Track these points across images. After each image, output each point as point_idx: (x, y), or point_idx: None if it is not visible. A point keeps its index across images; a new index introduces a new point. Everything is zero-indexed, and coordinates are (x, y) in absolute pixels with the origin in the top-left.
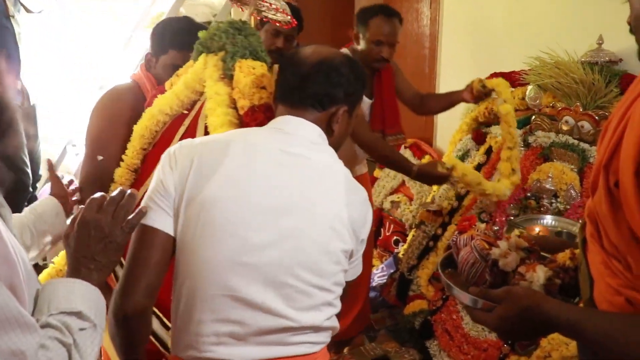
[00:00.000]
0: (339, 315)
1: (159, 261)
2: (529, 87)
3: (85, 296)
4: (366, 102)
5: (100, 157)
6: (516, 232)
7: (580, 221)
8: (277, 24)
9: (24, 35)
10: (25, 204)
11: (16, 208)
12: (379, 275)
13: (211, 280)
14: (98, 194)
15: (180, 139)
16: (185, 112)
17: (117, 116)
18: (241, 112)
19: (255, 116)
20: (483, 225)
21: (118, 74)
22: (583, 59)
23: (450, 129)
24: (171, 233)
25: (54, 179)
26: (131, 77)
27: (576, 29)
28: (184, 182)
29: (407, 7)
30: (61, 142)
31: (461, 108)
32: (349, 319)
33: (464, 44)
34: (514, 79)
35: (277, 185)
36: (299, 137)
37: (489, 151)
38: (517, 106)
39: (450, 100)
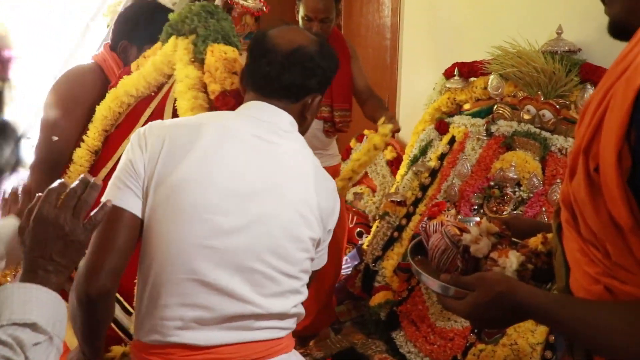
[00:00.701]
0: (304, 304)
1: (125, 243)
2: (491, 77)
3: (42, 304)
4: None
5: (55, 138)
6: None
7: (551, 208)
8: (248, 11)
9: None
10: None
11: None
12: (344, 267)
13: (178, 263)
14: (56, 183)
15: (146, 121)
16: (152, 94)
17: (75, 97)
18: (212, 97)
19: (226, 101)
20: (453, 211)
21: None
22: (544, 49)
23: (413, 119)
24: (139, 215)
25: (13, 195)
26: (92, 58)
27: (537, 18)
28: (154, 163)
29: None
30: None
31: (423, 98)
32: (313, 313)
33: (426, 35)
34: (476, 68)
35: (247, 170)
36: (271, 123)
37: (452, 141)
38: (480, 96)
39: (374, 117)
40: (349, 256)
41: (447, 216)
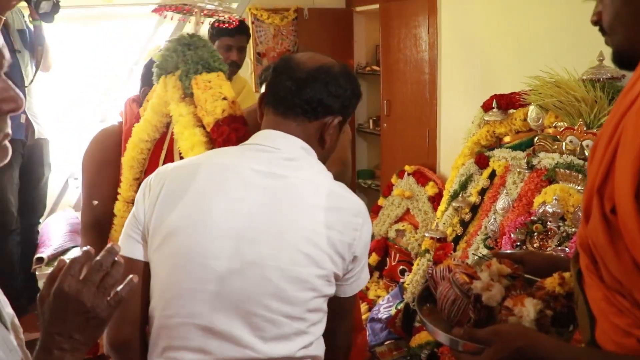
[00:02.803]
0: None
1: (138, 291)
2: (530, 108)
3: None
4: None
5: (95, 202)
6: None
7: (573, 252)
8: (225, 25)
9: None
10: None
11: None
12: (385, 306)
13: (176, 307)
14: (81, 252)
15: (163, 163)
16: (164, 134)
17: (104, 160)
18: (208, 130)
19: (221, 130)
20: (459, 253)
21: (119, 107)
22: (584, 77)
23: (453, 154)
24: (146, 260)
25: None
26: (120, 114)
27: (575, 46)
28: (152, 209)
29: (405, 33)
30: (63, 175)
31: (462, 132)
32: None
33: (463, 68)
34: (514, 100)
35: (243, 211)
36: (276, 152)
37: (492, 175)
38: (519, 128)
39: None
40: (391, 294)
41: (454, 259)
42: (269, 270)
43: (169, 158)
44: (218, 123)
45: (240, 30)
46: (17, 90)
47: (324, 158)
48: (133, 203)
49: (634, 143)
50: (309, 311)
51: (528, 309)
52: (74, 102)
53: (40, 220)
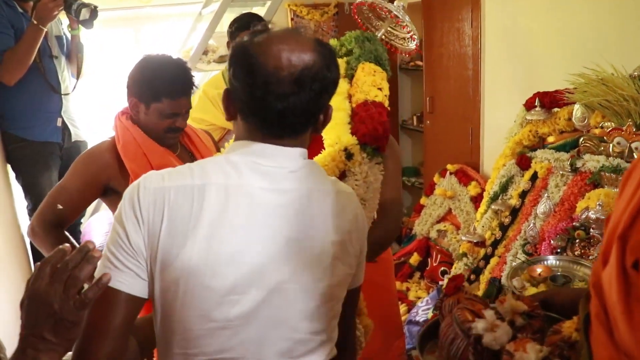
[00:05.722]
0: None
1: (122, 327)
2: (575, 107)
3: None
4: None
5: (60, 207)
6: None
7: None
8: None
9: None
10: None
11: None
12: (423, 308)
13: (202, 346)
14: (55, 251)
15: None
16: None
17: (89, 177)
18: (354, 105)
19: (367, 108)
20: (471, 285)
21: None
22: (634, 74)
23: (496, 153)
24: (140, 295)
25: None
26: (113, 128)
27: (623, 41)
28: (155, 241)
29: (448, 27)
30: None
31: (505, 131)
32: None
33: (507, 63)
34: (558, 98)
35: (260, 236)
36: (279, 168)
37: (534, 177)
38: (563, 128)
39: None
40: (430, 297)
41: (466, 292)
42: (294, 293)
43: None
44: (367, 101)
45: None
46: None
47: (320, 130)
48: None
49: None
50: (331, 320)
51: (530, 355)
52: (110, 104)
53: (82, 220)
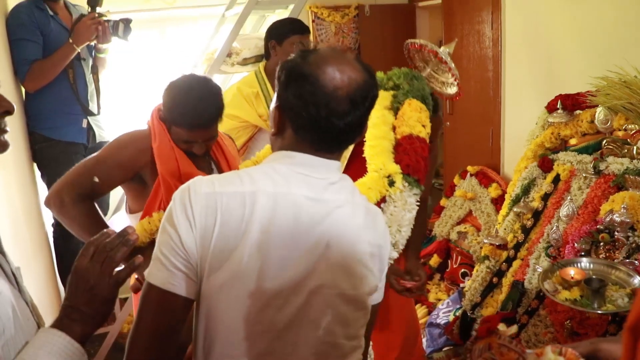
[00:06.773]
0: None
1: (171, 326)
2: (598, 109)
3: (54, 352)
4: None
5: (96, 179)
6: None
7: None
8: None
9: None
10: None
11: None
12: (444, 310)
13: (244, 348)
14: (100, 233)
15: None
16: None
17: (124, 161)
18: (398, 136)
19: (412, 141)
20: (508, 329)
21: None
22: None
23: (517, 155)
24: (191, 297)
25: None
26: (147, 124)
27: None
28: (207, 244)
29: (468, 29)
30: None
31: (527, 132)
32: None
33: (528, 65)
34: (580, 100)
35: (304, 244)
36: (322, 179)
37: (556, 180)
38: (586, 130)
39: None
40: (451, 299)
41: (499, 337)
42: (332, 297)
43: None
44: (411, 135)
45: (308, 30)
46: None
47: None
48: None
49: None
50: (361, 327)
51: None
52: (135, 106)
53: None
